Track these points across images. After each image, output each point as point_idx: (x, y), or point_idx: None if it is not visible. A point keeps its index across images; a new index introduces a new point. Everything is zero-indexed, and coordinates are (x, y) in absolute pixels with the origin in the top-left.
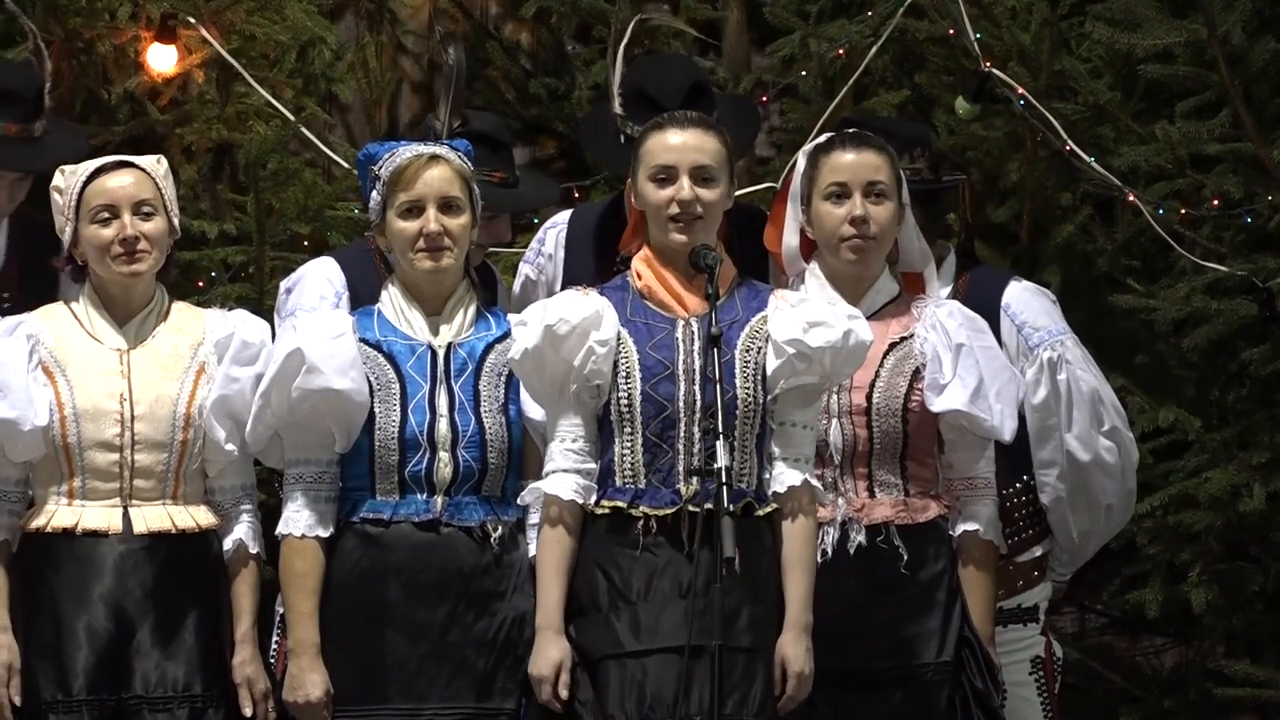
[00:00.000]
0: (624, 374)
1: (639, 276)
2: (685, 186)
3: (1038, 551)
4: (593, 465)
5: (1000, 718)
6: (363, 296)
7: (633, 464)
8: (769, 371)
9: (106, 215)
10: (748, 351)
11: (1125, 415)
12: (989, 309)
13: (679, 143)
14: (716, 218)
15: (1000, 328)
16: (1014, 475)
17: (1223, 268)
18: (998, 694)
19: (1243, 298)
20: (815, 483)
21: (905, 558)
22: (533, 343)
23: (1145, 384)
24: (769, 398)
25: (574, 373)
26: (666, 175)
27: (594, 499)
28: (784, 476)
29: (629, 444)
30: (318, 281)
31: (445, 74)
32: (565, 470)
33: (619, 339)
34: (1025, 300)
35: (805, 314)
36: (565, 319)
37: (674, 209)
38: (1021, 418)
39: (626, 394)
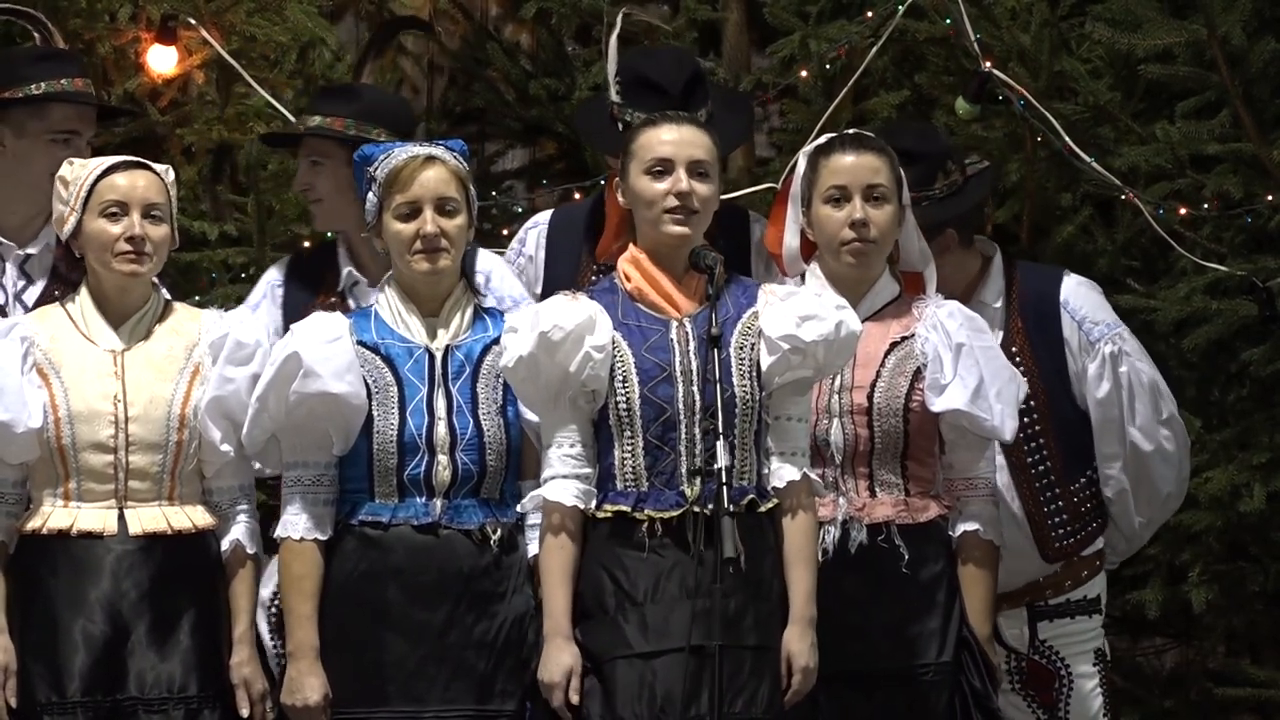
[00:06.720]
0: (621, 378)
1: (627, 278)
2: (683, 178)
3: (1100, 544)
4: (590, 470)
5: (999, 719)
6: (296, 296)
7: (634, 468)
8: (764, 368)
9: (116, 211)
10: (742, 349)
11: (1176, 401)
12: (1048, 306)
13: (675, 137)
14: (709, 215)
15: (1061, 324)
16: (1078, 471)
17: (1223, 268)
18: (996, 695)
19: (1243, 298)
20: (813, 475)
21: (906, 557)
22: (527, 350)
23: None
24: (764, 393)
25: (570, 379)
26: (663, 168)
27: (594, 503)
28: (782, 471)
29: (629, 448)
30: (262, 280)
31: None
32: (564, 476)
33: (614, 343)
34: (1082, 295)
35: (796, 308)
36: (560, 325)
37: (671, 201)
38: (1084, 412)
39: (625, 398)
